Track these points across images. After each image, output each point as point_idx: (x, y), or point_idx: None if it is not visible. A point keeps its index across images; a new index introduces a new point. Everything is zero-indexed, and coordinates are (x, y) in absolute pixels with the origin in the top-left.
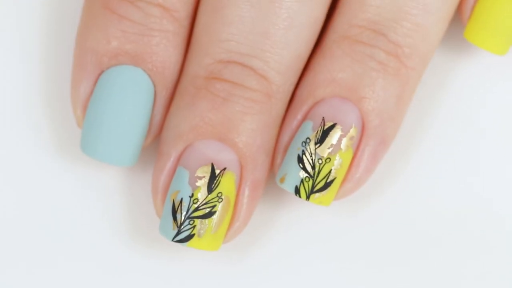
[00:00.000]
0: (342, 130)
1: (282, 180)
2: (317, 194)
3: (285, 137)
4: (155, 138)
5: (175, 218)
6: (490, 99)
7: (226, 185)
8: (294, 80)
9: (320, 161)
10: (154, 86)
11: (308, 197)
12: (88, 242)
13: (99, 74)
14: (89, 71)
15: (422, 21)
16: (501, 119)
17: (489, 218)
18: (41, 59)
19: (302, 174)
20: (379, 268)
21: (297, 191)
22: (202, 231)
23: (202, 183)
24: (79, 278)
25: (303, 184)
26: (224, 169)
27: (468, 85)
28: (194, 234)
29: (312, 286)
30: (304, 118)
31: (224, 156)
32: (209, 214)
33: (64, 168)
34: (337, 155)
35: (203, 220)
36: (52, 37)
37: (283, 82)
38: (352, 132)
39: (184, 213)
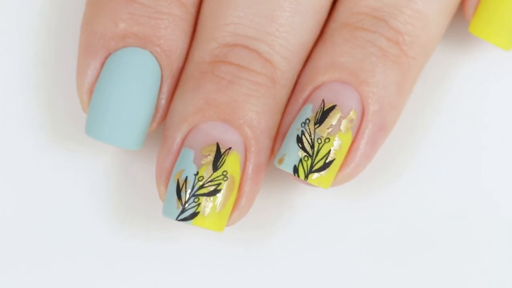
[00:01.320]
0: (341, 112)
1: (280, 160)
2: (315, 174)
3: (286, 123)
4: (161, 123)
5: (179, 197)
6: (492, 95)
7: (231, 164)
8: (298, 68)
9: (319, 141)
10: (161, 69)
11: (306, 177)
12: (88, 235)
13: (106, 57)
14: (96, 54)
15: (424, 8)
16: (503, 115)
17: (491, 212)
18: (41, 56)
19: (301, 154)
20: (379, 264)
21: (295, 171)
22: (207, 209)
23: (208, 161)
24: (80, 271)
25: (302, 164)
26: (229, 148)
27: (470, 80)
28: (199, 212)
29: (315, 274)
30: (305, 102)
31: (229, 137)
32: (214, 192)
33: (66, 156)
34: (337, 136)
35: (208, 197)
36: (52, 34)
37: (287, 69)
38: (352, 115)
39: (189, 191)
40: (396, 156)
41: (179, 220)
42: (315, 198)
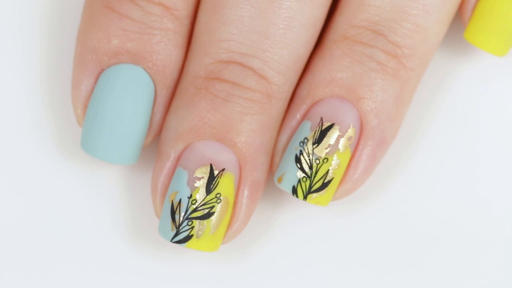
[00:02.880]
0: (340, 131)
1: (279, 180)
2: (314, 194)
3: (284, 137)
4: (155, 138)
5: (173, 219)
6: (489, 100)
7: (225, 185)
8: (294, 80)
9: (317, 161)
10: (155, 84)
11: (305, 197)
12: (87, 242)
13: (100, 73)
14: (89, 69)
15: (422, 21)
16: (500, 120)
17: (488, 217)
18: (42, 58)
19: (300, 174)
20: (378, 268)
21: (294, 191)
22: (200, 232)
23: (201, 184)
24: (78, 277)
25: (301, 184)
26: (223, 170)
27: (467, 86)
28: (192, 235)
29: (311, 287)
30: (303, 118)
31: (223, 157)
32: (208, 215)
33: (64, 167)
34: (335, 155)
35: (201, 221)
36: (53, 36)
37: (283, 83)
38: (350, 132)
39: (182, 214)
40: (393, 161)
41: (173, 242)
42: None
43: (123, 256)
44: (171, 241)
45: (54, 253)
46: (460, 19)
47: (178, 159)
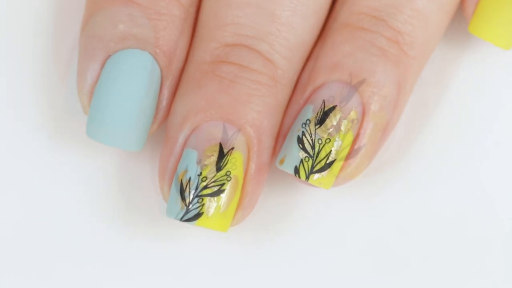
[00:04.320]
0: (342, 112)
1: (282, 161)
2: (316, 175)
3: (287, 123)
4: (161, 124)
5: (183, 198)
6: (493, 95)
7: (234, 164)
8: (298, 68)
9: (320, 141)
10: (161, 70)
11: (307, 177)
12: (90, 232)
13: (106, 59)
14: (95, 56)
15: (423, 8)
16: (503, 115)
17: (491, 213)
18: (43, 48)
19: (302, 154)
20: (381, 264)
21: (296, 171)
22: (211, 209)
23: (211, 161)
24: (78, 274)
25: (303, 164)
26: (232, 148)
27: (470, 81)
28: (203, 213)
29: (319, 276)
30: (306, 103)
31: (231, 137)
32: (218, 192)
33: (65, 156)
34: (337, 136)
35: (212, 198)
36: (55, 24)
37: (288, 68)
38: (353, 115)
39: (193, 192)
40: (396, 156)
41: (183, 221)
42: (316, 198)
43: (126, 249)
44: (181, 219)
45: (52, 248)
46: (461, 15)
47: (185, 142)
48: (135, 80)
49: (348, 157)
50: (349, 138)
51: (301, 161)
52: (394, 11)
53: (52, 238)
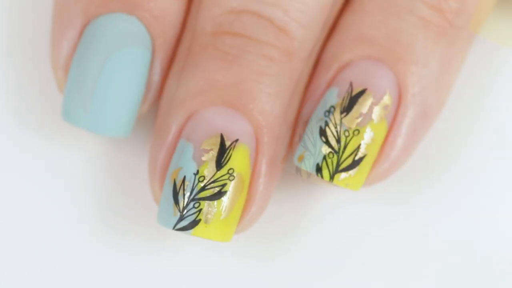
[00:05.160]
0: (374, 97)
1: (300, 157)
2: (343, 174)
3: (306, 109)
4: (153, 105)
5: (176, 201)
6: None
7: (239, 160)
8: (319, 38)
9: (346, 134)
10: (152, 39)
11: (332, 178)
12: (68, 238)
13: (85, 25)
14: (72, 22)
15: None
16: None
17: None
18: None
19: (325, 150)
20: (394, 272)
21: (318, 170)
22: (209, 216)
23: (210, 157)
24: (63, 280)
25: (326, 162)
26: (236, 140)
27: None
28: (200, 220)
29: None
30: (329, 85)
31: (235, 126)
32: (219, 195)
33: (42, 144)
34: (368, 127)
35: (211, 202)
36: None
37: (307, 38)
38: (386, 100)
39: (187, 194)
40: (436, 154)
41: (176, 230)
42: (333, 201)
43: (113, 254)
44: (173, 228)
45: (52, 249)
46: None
47: (180, 132)
48: (120, 52)
49: (381, 151)
50: (383, 128)
51: (324, 157)
52: None
53: (31, 230)
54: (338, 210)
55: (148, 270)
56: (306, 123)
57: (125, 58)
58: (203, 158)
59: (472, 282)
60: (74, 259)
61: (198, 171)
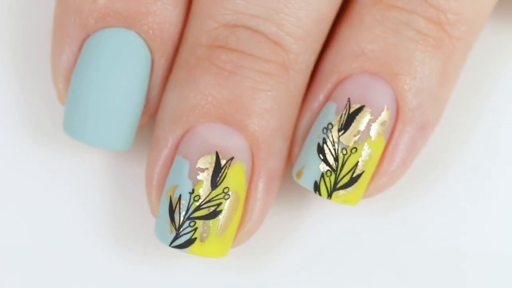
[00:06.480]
0: (371, 114)
1: (299, 174)
2: (341, 192)
3: (304, 122)
4: (152, 117)
5: (172, 219)
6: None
7: (234, 178)
8: (316, 47)
9: (344, 152)
10: (151, 52)
11: (330, 195)
12: (70, 245)
13: (84, 39)
14: (72, 35)
15: None
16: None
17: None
18: (15, 28)
19: (323, 167)
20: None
21: (316, 188)
22: (205, 235)
23: (205, 176)
24: (67, 276)
25: (324, 179)
26: (232, 158)
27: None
28: (195, 238)
29: None
30: (327, 99)
31: (231, 143)
32: (214, 214)
33: (42, 154)
34: (366, 144)
35: (206, 221)
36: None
37: (302, 50)
38: (384, 116)
39: (183, 213)
40: (438, 152)
41: (173, 247)
42: (330, 204)
43: (112, 263)
44: (170, 245)
45: (50, 249)
46: None
47: (177, 145)
48: (120, 66)
49: (380, 164)
50: (380, 144)
51: (322, 175)
52: None
53: (29, 238)
54: (335, 213)
55: (148, 270)
56: (305, 135)
57: (124, 72)
58: (199, 177)
59: (472, 282)
60: (74, 261)
61: (193, 190)
